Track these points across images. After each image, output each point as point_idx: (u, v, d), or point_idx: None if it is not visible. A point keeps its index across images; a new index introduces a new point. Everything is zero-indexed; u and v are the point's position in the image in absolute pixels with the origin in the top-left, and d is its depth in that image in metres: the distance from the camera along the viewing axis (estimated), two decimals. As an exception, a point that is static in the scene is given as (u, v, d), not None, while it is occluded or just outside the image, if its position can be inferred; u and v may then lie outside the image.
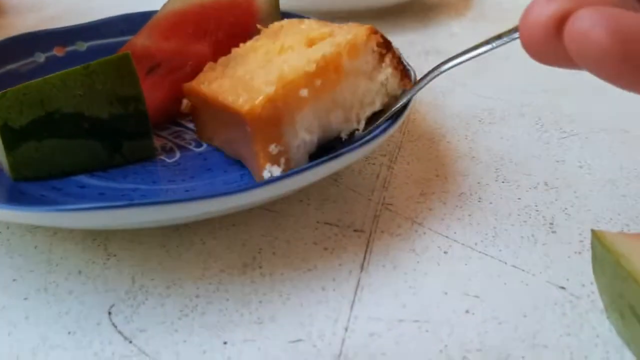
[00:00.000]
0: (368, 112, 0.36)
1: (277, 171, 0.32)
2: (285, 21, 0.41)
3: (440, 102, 0.50)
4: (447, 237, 0.34)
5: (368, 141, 0.33)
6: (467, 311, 0.29)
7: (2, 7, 0.75)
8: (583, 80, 0.54)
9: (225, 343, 0.28)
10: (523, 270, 0.32)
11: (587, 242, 0.34)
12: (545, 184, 0.39)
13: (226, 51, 0.40)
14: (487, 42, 0.32)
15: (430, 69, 0.56)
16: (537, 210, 0.37)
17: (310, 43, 0.36)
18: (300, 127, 0.33)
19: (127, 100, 0.36)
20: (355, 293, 0.30)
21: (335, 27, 0.37)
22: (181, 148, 0.40)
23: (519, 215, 0.36)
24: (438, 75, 0.35)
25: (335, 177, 0.39)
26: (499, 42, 0.31)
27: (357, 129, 0.36)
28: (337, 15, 0.66)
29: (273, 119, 0.32)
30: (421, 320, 0.29)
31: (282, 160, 0.33)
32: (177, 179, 0.36)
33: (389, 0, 0.67)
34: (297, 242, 0.34)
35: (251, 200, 0.29)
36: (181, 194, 0.35)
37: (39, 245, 0.33)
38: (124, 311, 0.29)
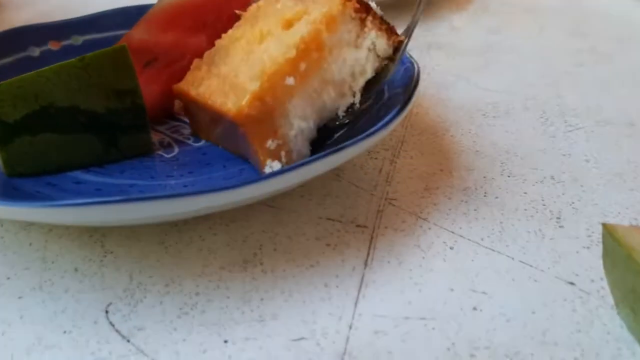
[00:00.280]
0: (361, 82, 0.34)
1: (278, 166, 0.32)
2: (262, 2, 0.39)
3: (444, 95, 0.49)
4: (452, 232, 0.33)
5: (371, 134, 0.32)
6: (474, 308, 0.28)
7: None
8: (587, 74, 0.54)
9: (225, 342, 0.27)
10: (531, 265, 0.31)
11: (596, 237, 0.33)
12: (552, 178, 0.38)
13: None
14: None
15: (432, 64, 0.55)
16: (543, 205, 0.36)
17: (287, 25, 0.34)
18: (294, 116, 0.32)
19: (123, 94, 0.36)
20: (359, 290, 0.29)
21: (308, 2, 0.35)
22: (179, 143, 0.39)
23: (525, 209, 0.35)
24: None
25: (336, 172, 0.38)
26: None
27: (354, 102, 0.34)
28: None
29: (264, 115, 0.31)
30: (428, 317, 0.28)
31: (282, 153, 0.32)
32: (175, 174, 0.35)
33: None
34: (298, 237, 0.33)
35: (252, 195, 0.28)
36: (180, 190, 0.34)
37: (34, 243, 0.33)
38: (122, 309, 0.28)
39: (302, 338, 0.27)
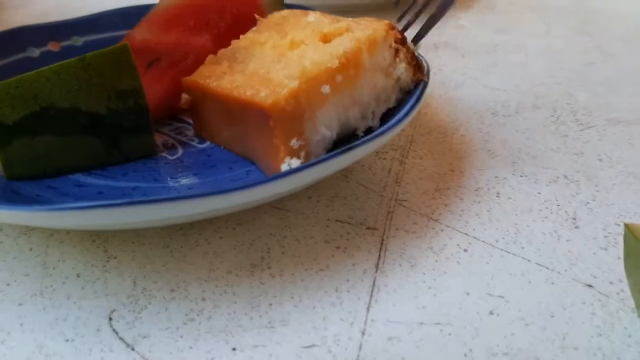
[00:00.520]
0: (384, 108, 0.35)
1: (296, 163, 0.31)
2: (286, 12, 0.40)
3: (452, 95, 0.48)
4: (466, 234, 0.32)
5: (380, 134, 0.31)
6: (491, 312, 0.27)
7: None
8: (596, 72, 0.53)
9: (234, 349, 0.26)
10: (548, 268, 0.30)
11: (612, 238, 0.32)
12: (565, 177, 0.37)
13: (229, 43, 0.39)
14: None
15: (439, 63, 0.54)
16: (558, 205, 0.35)
17: (326, 38, 0.35)
18: (321, 123, 0.32)
19: (126, 94, 0.35)
20: (371, 294, 0.28)
21: (350, 22, 0.36)
22: (183, 144, 0.38)
23: (540, 210, 0.34)
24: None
25: (345, 173, 0.37)
26: None
27: (372, 127, 0.34)
28: (341, 9, 0.64)
29: (296, 114, 0.31)
30: (443, 322, 0.27)
31: (302, 153, 0.31)
32: (179, 176, 0.34)
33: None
34: (307, 240, 0.32)
35: (261, 196, 0.27)
36: (184, 192, 0.33)
37: (35, 248, 0.32)
38: (126, 316, 0.27)
39: (313, 345, 0.26)
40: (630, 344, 0.26)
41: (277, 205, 0.34)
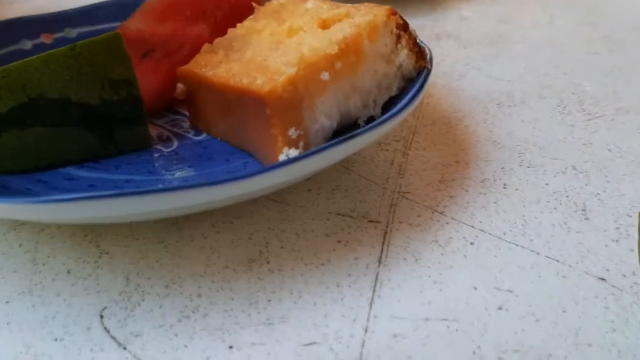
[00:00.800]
0: (385, 97, 0.34)
1: (295, 153, 0.30)
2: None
3: (455, 86, 0.46)
4: (472, 226, 0.31)
5: (382, 122, 0.30)
6: (500, 307, 0.26)
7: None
8: (602, 62, 0.52)
9: (230, 347, 0.25)
10: (558, 261, 0.29)
11: (624, 229, 0.31)
12: (574, 168, 0.36)
13: (226, 32, 0.38)
14: None
15: (442, 53, 0.53)
16: (567, 196, 0.34)
17: (325, 24, 0.34)
18: (320, 112, 0.31)
19: (119, 84, 0.33)
20: (374, 289, 0.27)
21: (349, 7, 0.35)
22: (179, 136, 0.37)
23: (548, 201, 0.33)
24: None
25: (346, 165, 0.36)
26: None
27: (374, 116, 0.33)
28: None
29: (294, 102, 0.30)
30: (449, 318, 0.26)
31: (301, 144, 0.30)
32: (175, 169, 0.33)
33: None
34: (307, 234, 0.31)
35: (256, 187, 0.26)
36: (179, 184, 0.31)
37: (24, 243, 0.30)
38: (118, 314, 0.26)
39: (314, 343, 0.25)
40: (646, 340, 0.25)
41: (275, 198, 0.33)
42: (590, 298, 0.27)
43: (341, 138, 0.28)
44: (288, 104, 0.30)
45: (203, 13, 0.42)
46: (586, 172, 0.36)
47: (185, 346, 0.25)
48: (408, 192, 0.34)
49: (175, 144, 0.36)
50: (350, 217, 0.32)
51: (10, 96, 0.31)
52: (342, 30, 0.32)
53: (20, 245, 0.30)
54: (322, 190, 0.34)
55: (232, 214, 0.32)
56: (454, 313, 0.26)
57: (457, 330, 0.25)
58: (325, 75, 0.30)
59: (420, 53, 0.35)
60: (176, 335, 0.25)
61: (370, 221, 0.31)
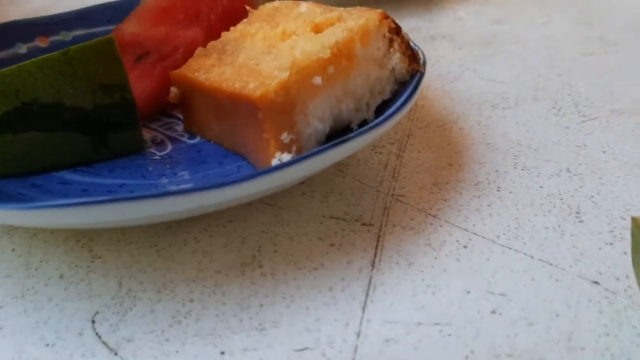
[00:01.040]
0: (378, 100, 0.34)
1: (287, 158, 0.30)
2: (277, 2, 0.39)
3: (449, 87, 0.46)
4: (465, 229, 0.31)
5: (374, 126, 0.30)
6: (493, 311, 0.26)
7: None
8: (597, 63, 0.52)
9: (222, 353, 0.25)
10: (551, 264, 0.29)
11: (618, 232, 0.31)
12: (568, 170, 0.36)
13: (220, 36, 0.38)
14: None
15: (437, 55, 0.53)
16: (561, 199, 0.34)
17: (317, 29, 0.34)
18: (313, 116, 0.31)
19: (112, 89, 0.33)
20: (367, 293, 0.27)
21: (342, 11, 0.35)
22: (173, 140, 0.37)
23: (542, 204, 0.33)
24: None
25: (340, 168, 0.36)
26: None
27: (367, 120, 0.33)
28: (335, 2, 0.63)
29: (286, 106, 0.30)
30: (442, 322, 0.26)
31: (294, 148, 0.30)
32: (168, 172, 0.33)
33: (390, -15, 0.64)
34: (300, 238, 0.31)
35: (248, 192, 0.26)
36: (173, 188, 0.31)
37: (17, 248, 0.30)
38: (109, 319, 0.26)
39: (306, 348, 0.25)
40: None
41: (269, 201, 0.33)
42: (583, 302, 0.27)
43: (334, 142, 0.28)
44: (280, 109, 0.29)
45: (197, 16, 0.42)
46: (580, 174, 0.36)
47: (177, 352, 0.25)
48: (402, 195, 0.34)
49: (169, 147, 0.36)
50: (344, 220, 0.32)
51: (3, 101, 0.31)
52: (334, 35, 0.32)
53: (13, 249, 0.30)
54: (316, 194, 0.34)
55: (225, 217, 0.32)
56: (447, 317, 0.26)
57: (449, 335, 0.25)
58: (317, 80, 0.30)
59: (413, 56, 0.35)
60: (168, 340, 0.25)
61: (364, 224, 0.31)
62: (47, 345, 0.25)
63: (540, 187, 0.35)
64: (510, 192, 0.34)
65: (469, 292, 0.27)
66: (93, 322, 0.26)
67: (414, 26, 0.60)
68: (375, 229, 0.31)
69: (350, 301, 0.27)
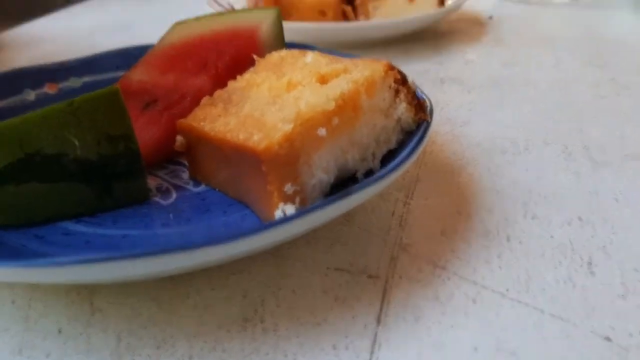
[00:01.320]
0: (384, 150, 0.34)
1: (291, 209, 0.29)
2: (284, 52, 0.39)
3: (458, 132, 0.46)
4: (474, 282, 0.30)
5: (384, 176, 0.29)
6: (501, 371, 0.25)
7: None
8: (609, 106, 0.51)
9: (221, 415, 0.24)
10: (562, 319, 0.28)
11: (631, 284, 0.30)
12: (579, 219, 0.35)
13: (227, 84, 0.38)
14: None
15: (446, 98, 0.53)
16: (572, 249, 0.33)
17: (323, 80, 0.34)
18: (317, 167, 0.31)
19: (117, 139, 0.33)
20: (372, 351, 0.26)
21: (347, 62, 0.35)
22: (178, 188, 0.37)
23: (553, 255, 0.32)
24: None
25: (345, 216, 0.35)
26: None
27: (373, 169, 0.33)
28: (345, 46, 0.64)
29: (290, 158, 0.30)
30: (449, 383, 0.25)
31: (297, 199, 0.30)
32: (172, 222, 0.33)
33: (398, 29, 0.65)
34: (304, 291, 0.30)
35: (252, 247, 0.26)
36: (176, 239, 0.31)
37: (18, 300, 0.30)
38: (107, 377, 0.26)
39: (308, 409, 0.24)
40: (656, 405, 0.24)
41: (272, 252, 0.33)
42: (596, 360, 0.26)
43: (338, 195, 0.27)
44: (284, 160, 0.29)
45: (205, 64, 0.42)
46: (592, 223, 0.35)
47: (175, 413, 0.24)
48: (409, 245, 0.33)
49: (174, 196, 0.36)
50: (349, 272, 0.31)
51: (6, 152, 0.31)
52: (339, 86, 0.32)
53: (13, 302, 0.30)
54: (320, 243, 0.33)
55: (228, 269, 0.31)
56: (454, 377, 0.25)
57: (456, 397, 0.24)
58: (322, 131, 0.30)
59: (419, 106, 0.34)
60: (166, 400, 0.24)
61: (370, 276, 0.31)
62: (42, 405, 0.24)
63: (551, 236, 0.34)
64: (520, 243, 0.33)
65: (476, 349, 0.26)
66: (90, 380, 0.25)
67: (423, 69, 0.60)
68: (381, 281, 0.30)
69: (354, 359, 0.26)
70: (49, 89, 0.46)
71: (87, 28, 0.79)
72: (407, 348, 0.26)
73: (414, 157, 0.31)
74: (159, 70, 0.43)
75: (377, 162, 0.33)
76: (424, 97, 0.36)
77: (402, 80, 0.34)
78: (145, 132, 0.39)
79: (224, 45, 0.43)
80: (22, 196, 0.32)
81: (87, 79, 0.47)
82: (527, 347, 0.26)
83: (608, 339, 0.27)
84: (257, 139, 0.30)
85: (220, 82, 0.40)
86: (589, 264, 0.32)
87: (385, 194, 0.38)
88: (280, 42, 0.44)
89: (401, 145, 0.34)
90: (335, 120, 0.31)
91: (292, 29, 0.58)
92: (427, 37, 0.70)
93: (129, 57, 0.48)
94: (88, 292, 0.30)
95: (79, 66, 0.47)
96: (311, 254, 0.32)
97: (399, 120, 0.34)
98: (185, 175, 0.38)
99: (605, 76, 0.57)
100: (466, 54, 0.65)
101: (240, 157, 0.31)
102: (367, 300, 0.29)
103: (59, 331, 0.28)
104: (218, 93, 0.37)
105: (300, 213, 0.26)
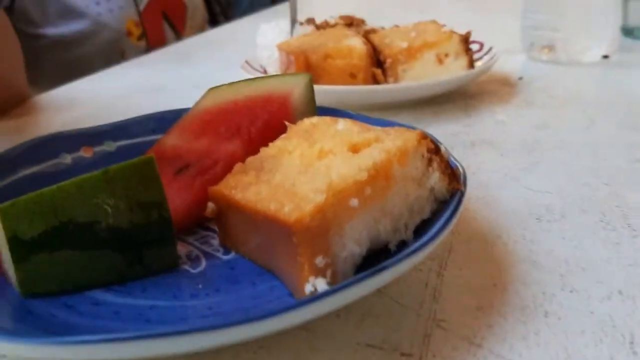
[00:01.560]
0: (417, 220, 0.33)
1: (322, 284, 0.29)
2: (316, 119, 0.39)
3: (492, 198, 0.45)
4: (511, 362, 0.29)
5: (418, 249, 0.29)
6: None
7: (35, 105, 0.75)
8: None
9: None
10: (606, 405, 0.27)
11: (679, 366, 0.29)
12: (620, 292, 0.34)
13: (259, 149, 0.38)
14: None
15: (477, 162, 0.52)
16: (613, 326, 0.31)
17: (355, 148, 0.34)
18: (349, 238, 0.30)
19: (149, 207, 0.34)
20: None
21: (379, 130, 0.35)
22: (207, 256, 0.36)
23: (593, 332, 0.31)
24: None
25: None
26: None
27: (406, 240, 0.32)
28: (374, 108, 0.64)
29: (321, 230, 0.29)
30: None
31: (328, 272, 0.29)
32: (200, 293, 0.33)
33: (427, 91, 0.65)
34: (334, 368, 0.29)
35: (280, 326, 0.25)
36: (203, 312, 0.31)
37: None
38: None
39: None
40: None
41: (302, 325, 0.32)
42: None
43: (371, 270, 0.27)
44: (315, 233, 0.29)
45: (238, 129, 0.43)
46: (633, 297, 0.34)
47: None
48: (443, 320, 0.32)
49: (203, 264, 0.36)
50: (381, 349, 0.30)
51: (41, 220, 0.31)
52: (371, 156, 0.31)
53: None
54: (351, 316, 0.32)
55: (256, 343, 0.30)
56: None
57: None
58: (354, 202, 0.30)
59: (453, 174, 0.34)
60: None
61: (403, 354, 0.30)
62: None
63: (591, 312, 0.32)
64: (559, 319, 0.32)
65: None
66: None
67: (453, 131, 0.60)
68: (414, 359, 0.29)
69: None
70: (85, 153, 0.47)
71: (123, 89, 0.81)
72: None
73: (449, 229, 0.31)
74: (193, 135, 0.44)
75: (410, 233, 0.33)
76: (457, 164, 0.36)
77: (435, 149, 0.34)
78: (177, 197, 0.40)
79: (257, 110, 0.44)
80: (54, 264, 0.32)
81: (122, 142, 0.48)
82: None
83: None
84: (288, 210, 0.29)
85: (252, 147, 0.41)
86: (631, 342, 0.30)
87: (418, 264, 0.37)
88: (311, 107, 0.45)
89: (435, 215, 0.33)
90: (368, 191, 0.31)
91: (323, 91, 0.59)
92: (456, 98, 0.70)
93: (164, 121, 0.49)
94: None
95: (114, 130, 0.48)
96: (341, 328, 0.32)
97: (432, 189, 0.34)
98: (215, 241, 0.38)
99: (639, 138, 0.56)
100: (496, 115, 0.64)
101: (271, 227, 0.31)
102: (399, 380, 0.28)
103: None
104: (250, 160, 0.37)
105: (332, 290, 0.26)
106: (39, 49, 1.09)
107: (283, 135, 0.38)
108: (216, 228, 0.39)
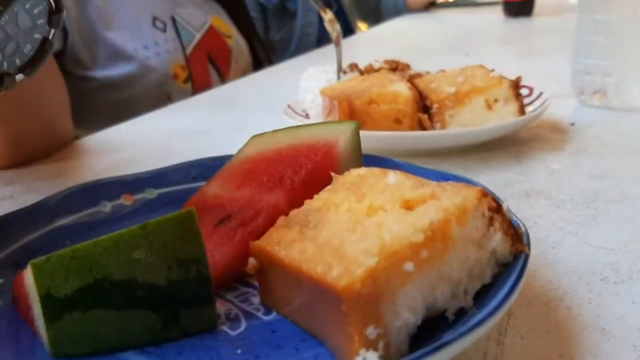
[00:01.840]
0: (477, 285, 0.30)
1: (373, 357, 0.26)
2: (364, 170, 0.37)
3: (551, 256, 0.42)
4: None
5: (482, 322, 0.26)
6: None
7: (78, 148, 0.75)
8: None
9: None
10: None
11: None
12: None
13: (303, 200, 0.36)
14: None
15: (533, 215, 0.49)
16: (701, 409, 0.28)
17: (408, 205, 0.31)
18: (403, 306, 0.28)
19: (188, 263, 0.32)
20: None
21: (434, 185, 0.32)
22: (247, 315, 0.34)
23: (678, 416, 0.27)
24: None
25: (431, 356, 0.32)
26: None
27: (465, 307, 0.29)
28: (421, 154, 0.62)
29: (373, 297, 0.27)
30: None
31: (381, 344, 0.27)
32: (239, 359, 0.30)
33: (476, 138, 0.62)
34: None
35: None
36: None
37: None
38: None
39: None
40: None
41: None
42: None
43: (430, 348, 0.24)
44: (366, 299, 0.26)
45: (281, 180, 0.41)
46: None
47: None
48: (505, 396, 0.29)
49: (243, 325, 0.33)
50: None
51: (76, 277, 0.30)
52: (427, 215, 0.29)
53: None
54: (403, 389, 0.30)
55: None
56: None
57: None
58: (409, 266, 0.27)
59: (515, 235, 0.31)
60: None
61: None
62: None
63: (674, 392, 0.29)
64: (637, 399, 0.29)
65: None
66: None
67: (504, 180, 0.57)
68: None
69: None
70: (125, 200, 0.45)
71: (166, 132, 0.81)
72: None
73: (514, 297, 0.28)
74: (234, 184, 0.42)
75: (469, 299, 0.30)
76: (520, 223, 0.33)
77: (497, 207, 0.31)
78: (217, 251, 0.38)
79: (301, 159, 0.42)
80: (87, 324, 0.30)
81: (162, 190, 0.47)
82: None
83: None
84: (336, 274, 0.27)
85: (296, 197, 0.39)
86: None
87: (474, 329, 0.34)
88: (358, 157, 0.43)
89: (496, 279, 0.30)
90: (424, 253, 0.28)
91: (368, 137, 0.57)
92: (506, 144, 0.67)
93: (205, 168, 0.47)
94: None
95: (155, 177, 0.47)
96: (393, 402, 0.29)
97: (493, 251, 0.31)
98: (256, 299, 0.36)
99: None
100: (550, 163, 0.61)
101: (317, 290, 0.29)
102: None
103: None
104: (294, 213, 0.35)
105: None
106: (88, 91, 1.11)
107: (328, 187, 0.36)
108: (257, 285, 0.37)
